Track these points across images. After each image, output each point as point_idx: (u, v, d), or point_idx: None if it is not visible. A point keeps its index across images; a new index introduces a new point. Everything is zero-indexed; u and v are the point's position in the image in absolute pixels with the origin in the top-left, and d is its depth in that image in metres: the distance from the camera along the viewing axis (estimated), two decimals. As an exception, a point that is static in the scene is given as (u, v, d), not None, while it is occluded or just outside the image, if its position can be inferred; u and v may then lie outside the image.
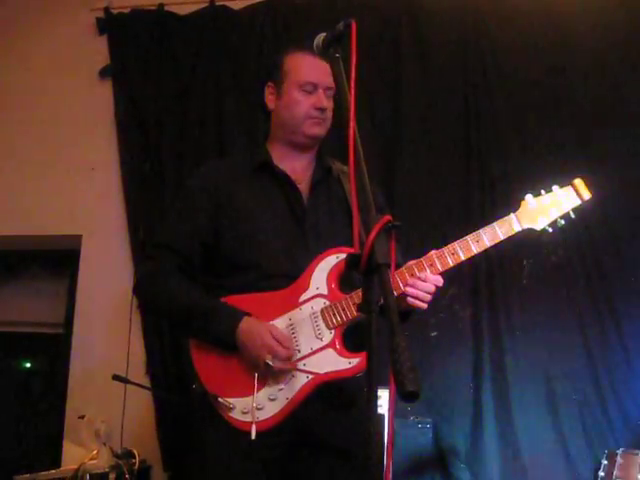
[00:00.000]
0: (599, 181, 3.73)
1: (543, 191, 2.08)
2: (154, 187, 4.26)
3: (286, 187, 2.14)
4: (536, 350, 3.71)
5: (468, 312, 3.79)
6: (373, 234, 1.26)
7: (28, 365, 5.28)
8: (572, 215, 2.07)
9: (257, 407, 1.95)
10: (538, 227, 2.06)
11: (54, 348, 4.70)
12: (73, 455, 3.61)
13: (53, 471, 3.42)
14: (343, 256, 1.99)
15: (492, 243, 2.05)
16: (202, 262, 2.15)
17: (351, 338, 2.00)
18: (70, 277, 4.57)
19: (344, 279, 2.04)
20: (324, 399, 1.99)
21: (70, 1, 4.61)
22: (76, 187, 4.40)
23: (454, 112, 4.04)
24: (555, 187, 2.09)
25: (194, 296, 2.10)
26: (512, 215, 2.06)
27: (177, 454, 3.91)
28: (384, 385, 1.23)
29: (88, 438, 3.57)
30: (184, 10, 4.44)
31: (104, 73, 4.47)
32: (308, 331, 1.99)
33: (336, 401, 2.02)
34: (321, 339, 1.98)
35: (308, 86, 2.12)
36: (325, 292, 2.01)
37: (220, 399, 1.98)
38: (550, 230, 2.07)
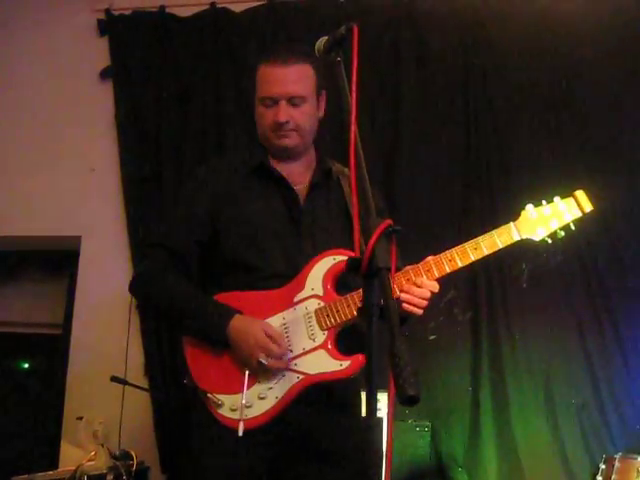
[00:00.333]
0: (599, 185, 3.79)
1: (544, 201, 2.08)
2: (154, 188, 4.26)
3: (283, 189, 2.15)
4: (535, 354, 3.72)
5: (467, 316, 3.80)
6: (374, 238, 1.27)
7: (26, 365, 5.28)
8: (572, 227, 2.07)
9: (246, 405, 1.94)
10: (537, 238, 2.06)
11: (52, 349, 4.69)
12: (71, 456, 3.61)
13: (51, 472, 3.41)
14: (340, 258, 2.01)
15: (490, 252, 2.06)
16: (200, 262, 2.17)
17: (345, 340, 2.00)
18: (69, 278, 4.56)
19: (340, 281, 2.04)
20: (316, 400, 1.99)
21: (71, 2, 4.61)
22: (76, 188, 4.40)
23: (454, 116, 4.05)
24: (556, 198, 2.09)
25: (188, 294, 2.11)
26: (511, 224, 2.07)
27: (175, 456, 3.91)
28: (383, 388, 1.23)
29: (86, 439, 3.57)
30: (185, 12, 4.44)
31: (105, 74, 4.47)
32: (301, 331, 2.00)
33: (328, 403, 2.02)
34: (314, 340, 1.98)
35: (267, 101, 2.12)
36: (320, 293, 2.01)
37: (209, 395, 1.99)
38: (549, 241, 2.07)
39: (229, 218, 2.12)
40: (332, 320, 1.98)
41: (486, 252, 2.04)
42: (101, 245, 4.32)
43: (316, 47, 1.66)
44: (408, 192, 3.96)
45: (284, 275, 2.05)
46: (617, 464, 3.12)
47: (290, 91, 2.09)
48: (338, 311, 1.98)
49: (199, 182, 2.22)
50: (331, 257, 2.02)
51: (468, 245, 2.05)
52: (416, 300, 1.97)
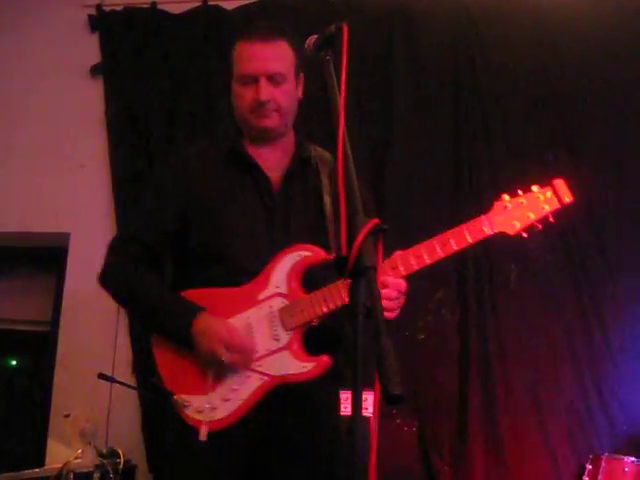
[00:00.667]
0: (586, 184, 3.83)
1: (520, 191, 1.87)
2: (144, 186, 4.24)
3: (257, 178, 2.06)
4: (523, 354, 3.73)
5: (456, 316, 3.81)
6: (361, 237, 1.26)
7: (14, 363, 5.25)
8: (551, 219, 1.85)
9: (211, 407, 1.91)
10: (512, 232, 1.85)
11: (40, 346, 4.67)
12: (57, 454, 3.60)
13: (37, 470, 3.40)
14: (306, 254, 1.93)
15: (459, 247, 1.87)
16: (170, 254, 2.11)
17: (315, 339, 1.94)
18: (57, 275, 4.54)
19: (307, 278, 1.96)
20: (286, 402, 1.93)
21: (61, -2, 4.60)
22: (65, 185, 4.38)
23: (444, 114, 4.06)
24: (534, 187, 1.87)
25: (154, 291, 2.06)
26: (483, 217, 1.87)
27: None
28: (368, 387, 1.22)
29: (73, 437, 3.55)
30: (177, 9, 4.43)
31: (95, 71, 4.45)
32: (265, 331, 1.93)
33: (303, 402, 1.96)
34: (278, 340, 1.92)
35: (247, 78, 2.02)
36: (285, 291, 1.94)
37: (175, 397, 1.95)
38: (525, 235, 1.84)
39: (198, 209, 2.04)
40: (296, 320, 1.91)
41: (455, 248, 1.86)
42: (90, 242, 4.29)
43: (306, 45, 1.65)
44: (397, 191, 3.96)
45: (252, 270, 1.96)
46: (603, 464, 3.15)
47: (271, 68, 2.00)
48: (302, 311, 1.91)
49: (169, 171, 2.14)
50: (296, 253, 1.94)
51: (436, 241, 1.89)
52: (384, 302, 1.81)
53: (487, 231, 1.85)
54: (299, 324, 1.91)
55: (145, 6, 4.44)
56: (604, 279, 3.77)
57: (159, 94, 4.33)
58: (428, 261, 1.87)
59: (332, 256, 1.92)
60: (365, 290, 1.22)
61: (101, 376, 3.33)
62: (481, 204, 3.78)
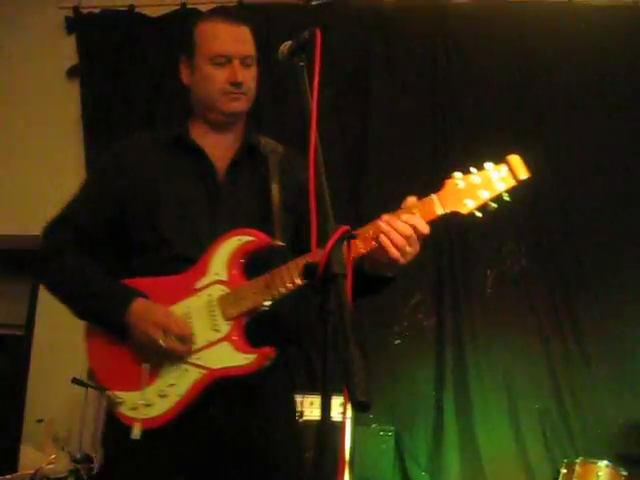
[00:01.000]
0: (561, 187, 3.87)
1: (474, 169, 1.74)
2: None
3: (202, 164, 1.95)
4: (498, 359, 3.76)
5: (432, 321, 3.82)
6: (330, 243, 1.26)
7: (-13, 366, 5.19)
8: (506, 198, 1.72)
9: (146, 404, 1.78)
10: (465, 211, 1.71)
11: (14, 350, 4.62)
12: (31, 459, 3.56)
13: (9, 476, 3.36)
14: (247, 239, 1.81)
15: None
16: (111, 242, 1.99)
17: (259, 330, 1.81)
18: (32, 278, 4.50)
19: (251, 265, 1.82)
20: (230, 397, 1.80)
21: (38, -1, 4.57)
22: (40, 187, 4.34)
23: (422, 120, 4.08)
24: (488, 164, 1.74)
25: (88, 275, 1.93)
26: (434, 196, 1.71)
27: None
28: (337, 393, 1.21)
29: (46, 442, 3.53)
30: (155, 12, 4.41)
31: (72, 73, 4.43)
32: (204, 322, 1.80)
33: (243, 400, 1.83)
34: (217, 331, 1.79)
35: (220, 59, 1.91)
36: (224, 278, 1.81)
37: (108, 393, 1.82)
38: (479, 215, 1.72)
39: (136, 195, 1.93)
40: (237, 309, 1.78)
41: None
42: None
43: (279, 51, 1.65)
44: (375, 191, 3.98)
45: (191, 258, 1.84)
46: (578, 469, 3.17)
47: (245, 50, 1.92)
48: (243, 298, 1.77)
49: (111, 158, 2.04)
50: (236, 238, 1.81)
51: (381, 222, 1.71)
52: (394, 235, 1.63)
53: (439, 211, 1.70)
54: (240, 313, 1.78)
55: (123, 9, 4.42)
56: (579, 285, 3.81)
57: (136, 96, 4.32)
58: (363, 251, 1.68)
59: (276, 241, 1.81)
60: (334, 297, 1.22)
61: (75, 381, 3.30)
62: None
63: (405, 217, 1.66)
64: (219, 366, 1.77)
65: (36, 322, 4.24)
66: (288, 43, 1.62)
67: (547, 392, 3.74)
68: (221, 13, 2.00)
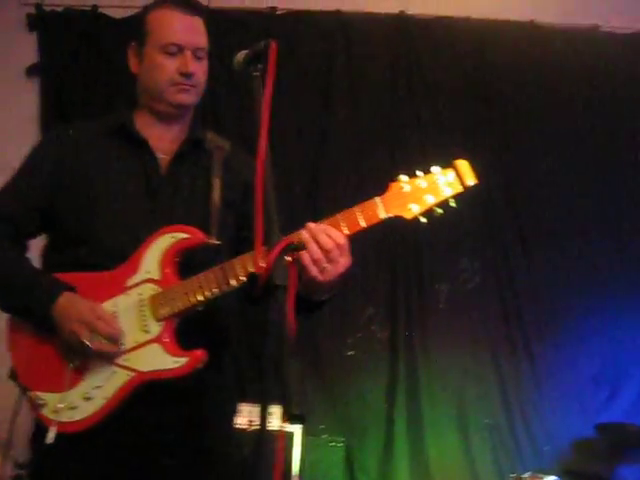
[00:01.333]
0: (517, 199, 3.92)
1: (420, 172, 1.69)
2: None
3: (144, 155, 1.89)
4: (450, 373, 3.80)
5: (385, 333, 3.84)
6: (273, 255, 1.25)
7: None
8: (453, 204, 1.67)
9: (69, 406, 1.70)
10: (409, 215, 1.65)
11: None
12: (-29, 465, 3.46)
13: (-57, 491, 3.26)
14: (181, 236, 1.74)
15: (352, 232, 1.63)
16: (42, 233, 1.94)
17: (190, 332, 1.74)
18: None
19: (185, 263, 1.76)
20: (158, 399, 1.73)
21: (-1, -6, 4.49)
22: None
23: (382, 129, 4.10)
24: (435, 168, 1.69)
25: (15, 266, 1.84)
26: (377, 199, 1.65)
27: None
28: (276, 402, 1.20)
29: (-15, 448, 3.43)
30: (118, 13, 4.36)
31: (32, 71, 4.36)
32: (133, 322, 1.72)
33: (173, 402, 1.75)
34: (147, 332, 1.71)
35: (171, 48, 1.85)
36: (156, 277, 1.74)
37: (30, 393, 1.74)
38: (424, 220, 1.67)
39: (68, 185, 1.86)
40: (168, 309, 1.70)
41: (347, 232, 1.61)
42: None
43: (235, 60, 1.64)
44: (333, 195, 3.96)
45: (124, 254, 1.77)
46: (525, 483, 3.20)
47: (198, 42, 1.88)
48: (174, 299, 1.70)
49: (45, 146, 1.98)
50: (169, 235, 1.75)
51: (325, 224, 1.62)
52: (315, 249, 1.53)
53: (382, 214, 1.63)
54: (171, 314, 1.71)
55: (86, 8, 4.37)
56: (531, 302, 3.87)
57: (96, 96, 4.26)
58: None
59: (212, 240, 1.76)
60: (274, 309, 1.21)
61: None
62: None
63: (328, 230, 1.57)
64: (148, 369, 1.70)
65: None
66: (244, 52, 1.62)
67: (497, 407, 3.78)
68: (176, 1, 1.91)
